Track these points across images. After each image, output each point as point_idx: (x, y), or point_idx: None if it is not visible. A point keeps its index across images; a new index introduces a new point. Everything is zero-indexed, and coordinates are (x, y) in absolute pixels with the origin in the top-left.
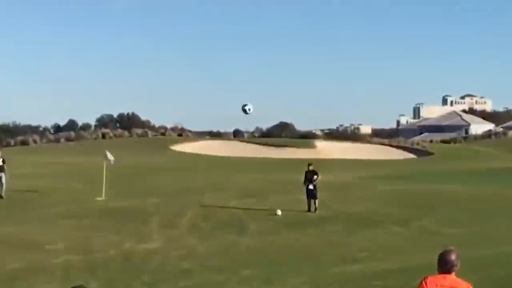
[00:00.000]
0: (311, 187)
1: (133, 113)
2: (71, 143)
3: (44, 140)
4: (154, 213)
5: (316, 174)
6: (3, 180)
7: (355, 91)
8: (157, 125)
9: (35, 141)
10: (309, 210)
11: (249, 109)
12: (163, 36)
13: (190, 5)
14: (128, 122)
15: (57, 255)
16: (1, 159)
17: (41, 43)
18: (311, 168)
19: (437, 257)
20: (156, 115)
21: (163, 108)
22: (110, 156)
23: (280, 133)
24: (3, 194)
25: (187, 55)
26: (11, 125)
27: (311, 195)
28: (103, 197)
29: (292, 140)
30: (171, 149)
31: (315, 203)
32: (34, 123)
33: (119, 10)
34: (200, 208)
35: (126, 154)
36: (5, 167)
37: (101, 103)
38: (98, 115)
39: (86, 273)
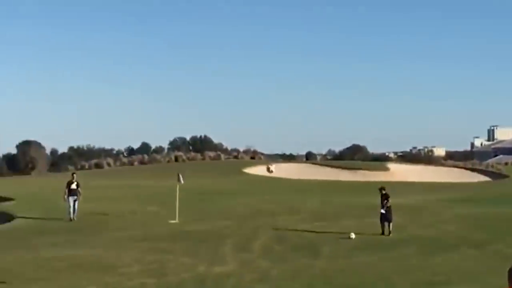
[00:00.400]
0: (383, 211)
1: (205, 136)
2: (145, 166)
3: (118, 163)
4: (227, 236)
5: (387, 198)
6: (76, 204)
7: (429, 114)
8: (229, 148)
9: (109, 164)
10: (383, 233)
11: None
12: (235, 62)
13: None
14: (200, 145)
15: (131, 277)
16: (76, 183)
17: (115, 68)
18: (383, 192)
19: None
20: (229, 137)
21: (235, 130)
22: (182, 179)
23: (353, 156)
24: (74, 217)
25: (259, 80)
26: (85, 148)
27: (384, 218)
28: (176, 220)
29: (365, 162)
30: (244, 172)
31: (389, 226)
32: (108, 146)
33: (196, 35)
34: (273, 231)
35: (199, 177)
36: (80, 190)
37: (174, 126)
38: (171, 138)
39: None
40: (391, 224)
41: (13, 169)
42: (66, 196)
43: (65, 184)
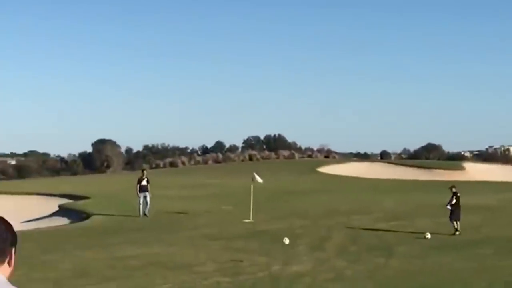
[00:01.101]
0: (448, 207)
1: (279, 135)
2: (219, 164)
3: (192, 162)
4: (301, 236)
5: (453, 196)
6: (148, 199)
7: (506, 112)
8: (303, 146)
9: (183, 163)
10: (455, 232)
11: None
12: (310, 60)
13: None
14: (274, 143)
15: (206, 276)
16: (146, 179)
17: (188, 66)
18: (453, 190)
19: None
20: (303, 136)
21: (309, 129)
22: (258, 179)
23: (428, 155)
24: (147, 213)
25: (333, 78)
26: (160, 147)
27: (450, 216)
28: (251, 219)
29: (440, 162)
30: (318, 171)
31: (455, 224)
32: (182, 144)
33: (271, 31)
34: (348, 230)
35: (273, 176)
36: (149, 187)
37: (248, 124)
38: (245, 137)
39: None
40: (458, 223)
41: (89, 168)
42: (137, 192)
43: (136, 181)
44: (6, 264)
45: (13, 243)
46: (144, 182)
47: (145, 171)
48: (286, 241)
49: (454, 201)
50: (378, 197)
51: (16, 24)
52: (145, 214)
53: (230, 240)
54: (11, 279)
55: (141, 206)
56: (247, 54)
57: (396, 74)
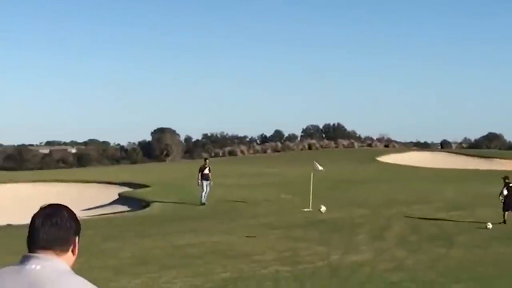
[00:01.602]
0: (501, 198)
1: (338, 124)
2: (278, 153)
3: (251, 151)
4: (361, 225)
5: (505, 187)
6: (209, 189)
7: None
8: (363, 136)
9: (242, 152)
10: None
11: None
12: (370, 48)
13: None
14: (333, 132)
15: (266, 265)
16: (208, 168)
17: (246, 54)
18: (506, 181)
19: None
20: (362, 125)
21: (369, 118)
22: (319, 167)
23: (489, 144)
24: (205, 201)
25: (392, 67)
26: (219, 135)
27: (504, 207)
28: (310, 208)
29: (501, 151)
30: (378, 160)
31: (506, 214)
32: (241, 133)
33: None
34: (408, 220)
35: (332, 165)
36: (210, 176)
37: (307, 113)
38: (304, 126)
39: (295, 283)
40: (506, 213)
41: (148, 156)
42: (199, 181)
43: (197, 170)
44: (70, 252)
45: (77, 231)
46: (206, 171)
47: (207, 160)
48: (322, 208)
49: (506, 191)
50: (438, 186)
51: (79, 11)
52: (204, 203)
53: (289, 229)
54: (73, 267)
55: (204, 193)
56: (308, 41)
57: (457, 63)
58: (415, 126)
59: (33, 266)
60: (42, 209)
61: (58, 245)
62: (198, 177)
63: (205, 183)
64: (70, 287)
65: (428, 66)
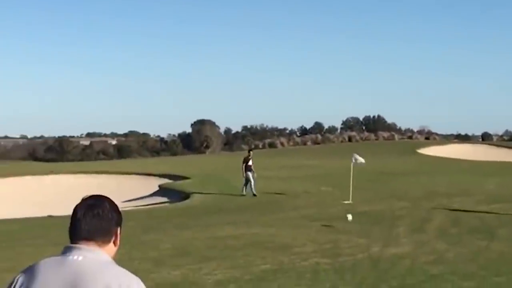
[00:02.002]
0: None
1: (378, 116)
2: (318, 145)
3: (291, 143)
4: (401, 217)
5: None
6: (253, 179)
7: None
8: (403, 128)
9: (282, 144)
10: None
11: None
12: (409, 40)
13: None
14: (373, 125)
15: (306, 257)
16: (251, 160)
17: (286, 47)
18: None
19: None
20: (402, 117)
21: (409, 110)
22: (360, 159)
23: None
24: (245, 193)
25: (438, 55)
26: (258, 127)
27: None
28: (350, 201)
29: None
30: (418, 153)
31: None
32: (281, 125)
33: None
34: (448, 212)
35: (372, 158)
36: (253, 167)
37: (347, 105)
38: (344, 118)
39: (335, 276)
40: None
41: (188, 148)
42: (244, 172)
43: (241, 161)
44: (111, 243)
45: (119, 222)
46: (250, 162)
47: (251, 152)
48: (349, 217)
49: None
50: (479, 179)
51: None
52: (243, 194)
53: (329, 221)
54: (115, 258)
55: (250, 184)
56: (349, 32)
57: (499, 54)
58: (456, 118)
59: (76, 257)
60: (84, 200)
61: (100, 236)
62: (243, 168)
63: (249, 174)
64: (112, 277)
65: (469, 57)
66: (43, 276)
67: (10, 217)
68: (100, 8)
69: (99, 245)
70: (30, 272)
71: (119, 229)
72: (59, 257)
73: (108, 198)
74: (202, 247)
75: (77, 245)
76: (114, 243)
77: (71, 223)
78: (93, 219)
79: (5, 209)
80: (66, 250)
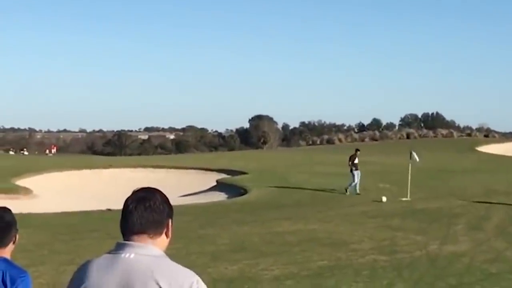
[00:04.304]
0: None
1: (437, 113)
2: (375, 142)
3: (349, 139)
4: (459, 215)
5: None
6: (359, 178)
7: None
8: (461, 125)
9: (340, 140)
10: None
11: None
12: (469, 37)
13: None
14: (432, 122)
15: (363, 254)
16: (357, 158)
17: (350, 41)
18: None
19: None
20: (461, 115)
21: (468, 108)
22: (416, 157)
23: None
24: (349, 190)
25: (496, 53)
26: (316, 123)
27: None
28: (408, 198)
29: None
30: (477, 150)
31: None
32: (338, 122)
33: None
34: (508, 210)
35: (431, 155)
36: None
37: (405, 102)
38: (402, 115)
39: (392, 273)
40: None
41: (246, 143)
42: (351, 170)
43: (347, 159)
44: (163, 235)
45: (170, 214)
46: (356, 161)
47: (358, 151)
48: (384, 199)
49: None
50: None
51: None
52: (345, 191)
53: (387, 218)
54: (168, 251)
55: (354, 184)
56: (408, 28)
57: None
58: None
59: (127, 254)
60: (135, 192)
61: (152, 228)
62: (349, 165)
63: (355, 172)
64: (163, 274)
65: None
66: (96, 277)
67: (69, 210)
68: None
69: (152, 238)
70: (83, 271)
71: (170, 220)
72: (111, 255)
73: (159, 190)
74: (260, 243)
75: (129, 242)
76: (166, 234)
77: (122, 216)
78: (145, 212)
79: (64, 203)
80: (118, 247)
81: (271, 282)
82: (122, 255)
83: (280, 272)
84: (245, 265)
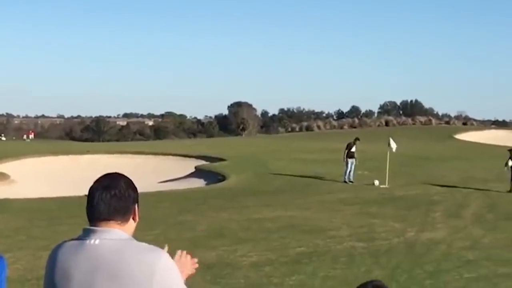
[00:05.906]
0: (506, 169)
1: (416, 101)
2: (354, 129)
3: (328, 126)
4: (437, 202)
5: (509, 158)
6: (353, 166)
7: None
8: (440, 113)
9: (318, 127)
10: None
11: None
12: (447, 26)
13: None
14: (411, 109)
15: (341, 241)
16: (355, 147)
17: (326, 30)
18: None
19: None
20: (440, 102)
21: (446, 95)
22: (393, 144)
23: None
24: (352, 179)
25: (476, 41)
26: (295, 110)
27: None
28: (386, 185)
29: None
30: (456, 138)
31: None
32: (317, 109)
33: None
34: (485, 198)
35: (409, 142)
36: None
37: (384, 89)
38: (381, 102)
39: (370, 260)
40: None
41: (225, 130)
42: (345, 158)
43: (345, 146)
44: (131, 220)
45: (136, 199)
46: (353, 149)
47: (358, 141)
48: (376, 182)
49: (511, 162)
50: None
51: None
52: (350, 181)
53: (365, 205)
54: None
55: (351, 170)
56: (386, 16)
57: None
58: (494, 104)
59: (93, 240)
60: (99, 180)
61: (119, 215)
62: (344, 153)
63: (350, 160)
64: (131, 255)
65: (509, 43)
66: (63, 262)
67: (47, 196)
68: None
69: (119, 224)
70: (53, 257)
71: (136, 205)
72: (77, 241)
73: (123, 175)
74: (238, 229)
75: (95, 228)
76: (134, 219)
77: (88, 204)
78: (111, 200)
79: (41, 188)
80: (85, 233)
81: (250, 268)
82: (87, 241)
83: (258, 259)
84: (223, 251)
